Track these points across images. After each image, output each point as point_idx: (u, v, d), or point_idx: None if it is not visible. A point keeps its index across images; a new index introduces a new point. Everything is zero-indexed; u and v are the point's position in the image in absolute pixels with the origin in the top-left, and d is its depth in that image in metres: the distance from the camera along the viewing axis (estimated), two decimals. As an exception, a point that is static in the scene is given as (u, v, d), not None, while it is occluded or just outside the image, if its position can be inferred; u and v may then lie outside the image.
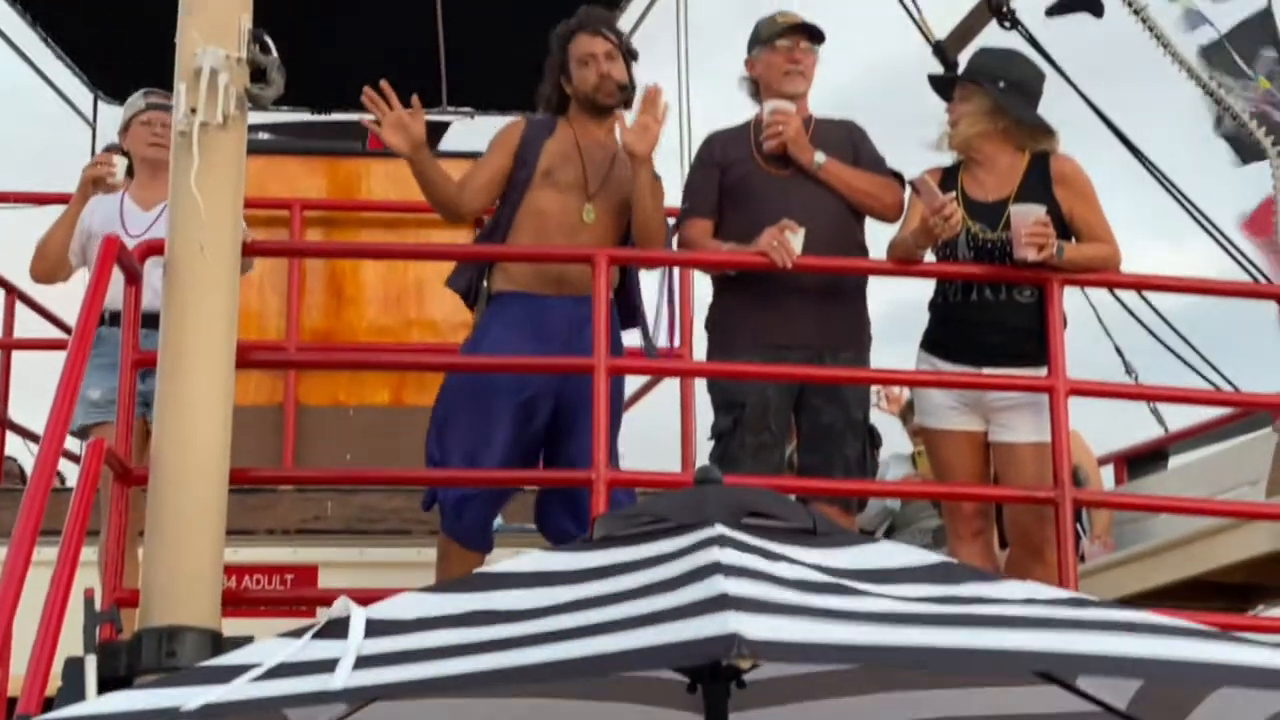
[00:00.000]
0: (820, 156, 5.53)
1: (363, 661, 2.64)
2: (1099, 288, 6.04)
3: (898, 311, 6.67)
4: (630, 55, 5.55)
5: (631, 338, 5.68)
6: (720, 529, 2.89)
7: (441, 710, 3.42)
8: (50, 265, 6.07)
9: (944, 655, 2.56)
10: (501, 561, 3.18)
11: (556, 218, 5.41)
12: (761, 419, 5.41)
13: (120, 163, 6.05)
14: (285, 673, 2.62)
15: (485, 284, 5.48)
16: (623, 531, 3.09)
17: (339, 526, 6.48)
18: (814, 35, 5.65)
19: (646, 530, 3.03)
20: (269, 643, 2.82)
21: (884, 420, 8.26)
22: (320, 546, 6.30)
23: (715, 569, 2.67)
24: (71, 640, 4.23)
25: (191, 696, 2.53)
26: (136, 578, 4.53)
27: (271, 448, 6.61)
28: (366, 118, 5.28)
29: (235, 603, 4.91)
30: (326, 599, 3.37)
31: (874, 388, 6.59)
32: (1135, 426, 7.39)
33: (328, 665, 2.62)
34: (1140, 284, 6.16)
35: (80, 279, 5.90)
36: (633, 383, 6.46)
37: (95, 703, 2.77)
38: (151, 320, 4.75)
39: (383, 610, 2.87)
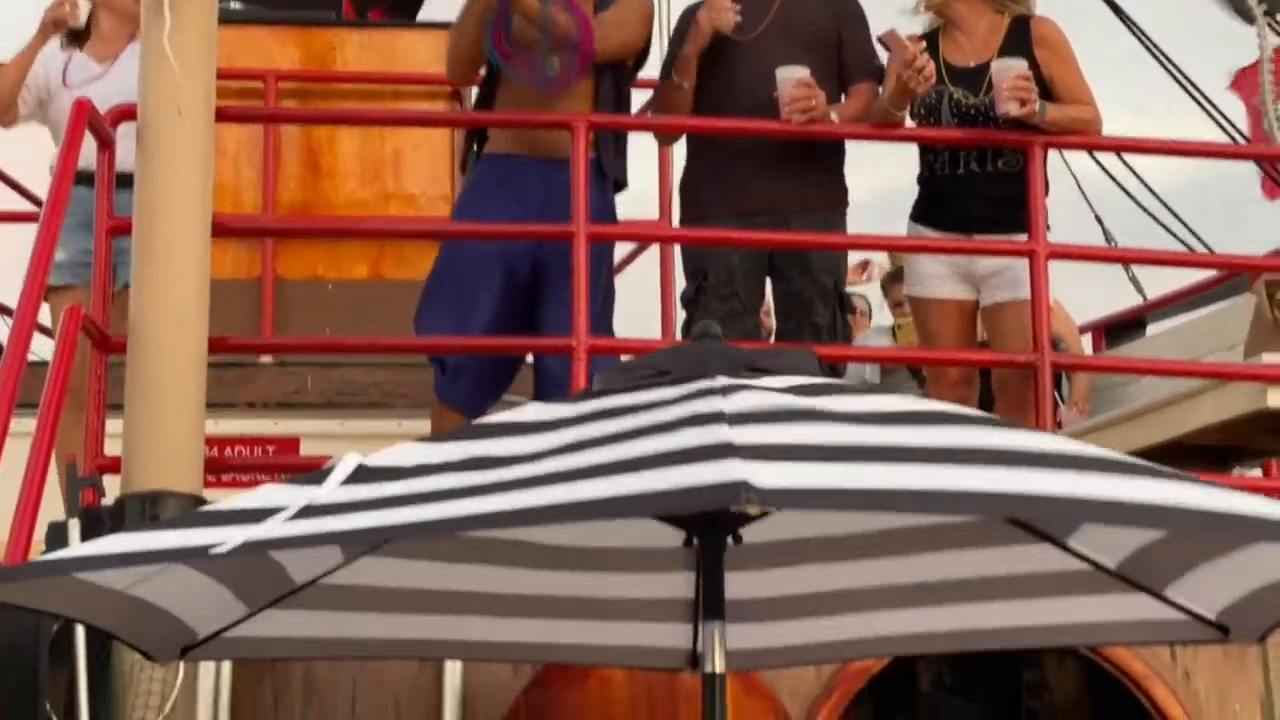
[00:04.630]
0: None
1: (361, 506, 2.62)
2: (1080, 150, 6.02)
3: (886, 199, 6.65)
4: None
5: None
6: (723, 380, 2.88)
7: (430, 576, 3.44)
8: None
9: (957, 499, 2.51)
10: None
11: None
12: (727, 285, 5.42)
13: (84, 5, 5.95)
14: (306, 514, 2.59)
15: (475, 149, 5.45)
16: (622, 384, 3.07)
17: (319, 400, 6.48)
18: None
19: (647, 381, 3.01)
20: (279, 488, 2.79)
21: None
22: (301, 419, 6.30)
23: (719, 418, 2.64)
24: (53, 511, 4.24)
25: (220, 536, 2.50)
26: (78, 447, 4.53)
27: (250, 321, 6.57)
28: None
29: (217, 470, 4.91)
30: (309, 466, 3.37)
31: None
32: (1116, 298, 7.42)
33: (345, 508, 2.59)
34: (1121, 146, 6.15)
35: (38, 142, 5.83)
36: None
37: (115, 540, 2.73)
38: (122, 180, 4.71)
39: (380, 458, 2.85)
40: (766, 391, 2.82)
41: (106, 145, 4.85)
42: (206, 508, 2.90)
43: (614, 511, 2.55)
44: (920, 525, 3.40)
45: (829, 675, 4.75)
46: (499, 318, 5.24)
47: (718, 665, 3.08)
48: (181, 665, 4.20)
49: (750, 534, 3.28)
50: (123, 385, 4.42)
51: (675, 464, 2.44)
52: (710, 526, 3.16)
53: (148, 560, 2.64)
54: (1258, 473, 6.38)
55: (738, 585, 3.44)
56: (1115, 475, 2.52)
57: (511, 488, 2.54)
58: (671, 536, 3.33)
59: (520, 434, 2.83)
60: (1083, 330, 7.35)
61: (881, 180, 6.35)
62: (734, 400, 2.72)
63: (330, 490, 2.66)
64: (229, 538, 2.47)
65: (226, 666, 4.35)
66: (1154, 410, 5.92)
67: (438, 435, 3.50)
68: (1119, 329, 7.24)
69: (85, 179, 4.98)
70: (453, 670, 4.49)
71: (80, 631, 4.07)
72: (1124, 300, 7.20)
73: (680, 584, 3.54)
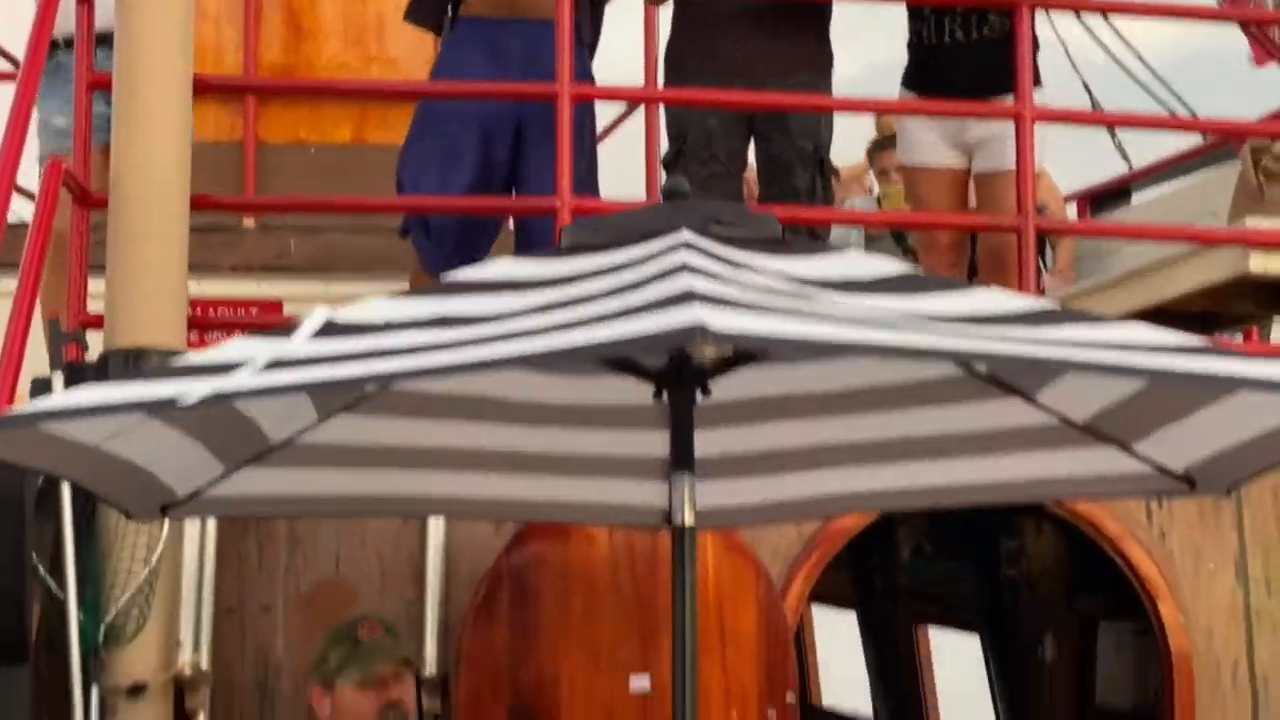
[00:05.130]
0: None
1: (329, 360, 2.63)
2: (1067, 10, 5.96)
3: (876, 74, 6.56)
4: None
5: None
6: (687, 235, 2.89)
7: (409, 433, 3.46)
8: None
9: (910, 353, 2.55)
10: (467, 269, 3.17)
11: None
12: (705, 149, 5.40)
13: None
14: (274, 367, 2.61)
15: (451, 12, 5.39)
16: (590, 240, 3.08)
17: (303, 264, 6.46)
18: None
19: (614, 239, 3.02)
20: (247, 341, 2.80)
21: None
22: (285, 283, 6.29)
23: (682, 269, 2.67)
24: (37, 368, 4.26)
25: (188, 388, 2.51)
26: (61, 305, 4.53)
27: (232, 184, 6.52)
28: None
29: (201, 329, 4.92)
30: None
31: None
32: (1102, 167, 7.39)
33: (313, 361, 2.60)
34: (1109, 7, 6.09)
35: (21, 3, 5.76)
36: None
37: (82, 393, 2.74)
38: (107, 39, 4.67)
39: (348, 314, 2.86)
40: (731, 247, 2.85)
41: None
42: (174, 361, 2.91)
43: (577, 358, 2.58)
44: (893, 383, 3.43)
45: (809, 535, 4.80)
46: (479, 179, 5.22)
47: (687, 518, 3.12)
48: (166, 522, 4.23)
49: (723, 391, 3.30)
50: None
51: (638, 314, 2.48)
52: (678, 380, 3.18)
53: (115, 411, 2.65)
54: (1239, 339, 6.41)
55: (713, 442, 3.48)
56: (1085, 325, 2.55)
57: (478, 343, 2.57)
58: (645, 393, 3.36)
59: (488, 292, 2.86)
60: (1068, 199, 7.34)
61: (870, 55, 6.31)
62: (697, 254, 2.74)
63: (299, 344, 2.67)
64: (196, 390, 2.48)
65: (211, 523, 4.39)
66: (1137, 276, 5.93)
67: (407, 292, 3.51)
68: (1104, 198, 7.23)
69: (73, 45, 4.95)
70: (436, 528, 4.53)
71: (66, 487, 4.11)
72: (1109, 167, 7.19)
73: (656, 442, 3.56)
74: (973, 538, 8.05)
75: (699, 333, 2.35)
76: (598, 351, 2.56)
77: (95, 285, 4.63)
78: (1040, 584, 7.56)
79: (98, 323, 4.47)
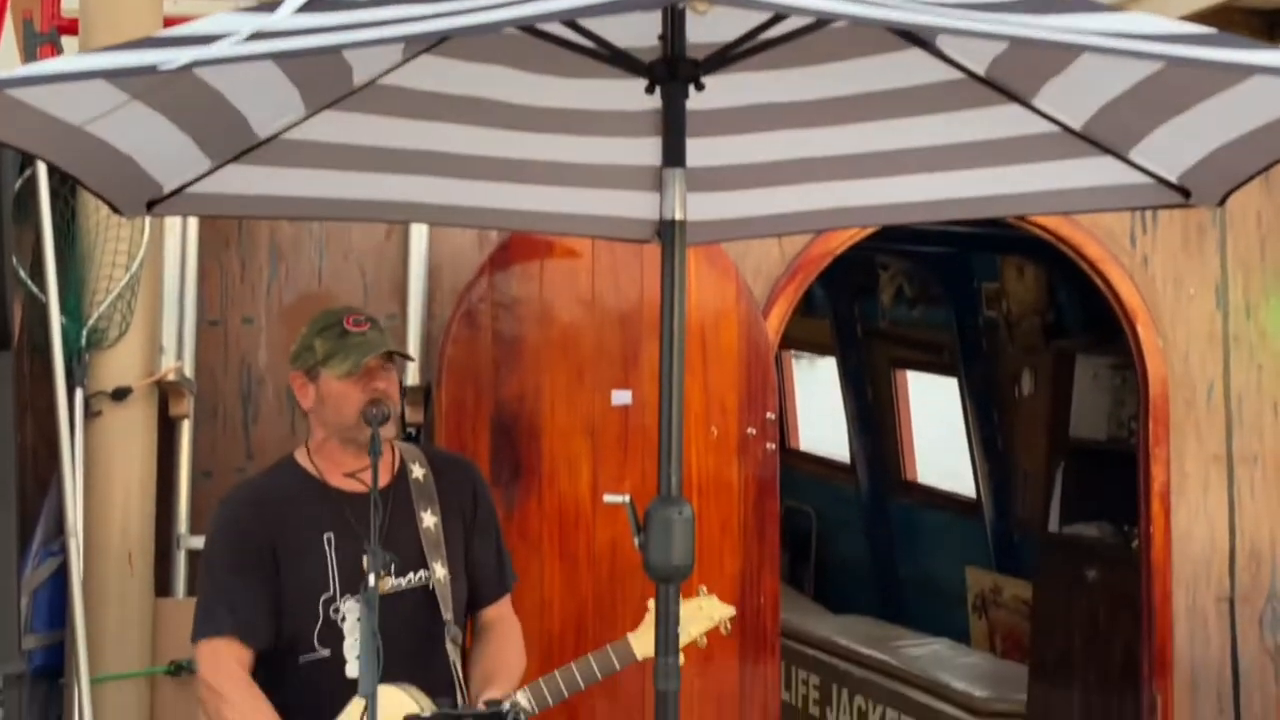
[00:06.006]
0: None
1: (314, 31, 2.56)
2: None
3: None
4: None
5: None
6: None
7: (397, 134, 3.40)
8: None
9: (927, 26, 2.47)
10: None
11: None
12: None
13: None
14: (257, 39, 2.53)
15: None
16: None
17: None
18: None
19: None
20: (230, 15, 2.72)
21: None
22: None
23: None
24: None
25: (169, 56, 2.44)
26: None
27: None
28: None
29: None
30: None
31: None
32: None
33: (297, 33, 2.53)
34: None
35: None
36: None
37: (58, 61, 2.67)
38: None
39: None
40: None
41: None
42: (157, 33, 2.83)
43: (574, 15, 2.49)
44: (891, 89, 3.36)
45: (792, 256, 4.79)
46: None
47: (678, 212, 3.09)
48: (147, 227, 4.20)
49: (714, 98, 3.23)
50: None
51: None
52: (672, 76, 3.12)
53: (92, 76, 2.58)
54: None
55: (704, 153, 3.42)
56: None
57: (468, 13, 2.49)
58: (638, 97, 3.30)
59: None
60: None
61: None
62: None
63: (283, 17, 2.60)
64: (179, 57, 2.41)
65: (193, 230, 4.36)
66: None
67: None
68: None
69: None
70: (418, 241, 4.51)
71: (44, 185, 4.07)
72: None
73: (648, 150, 3.51)
74: (953, 281, 8.08)
75: None
76: (593, 10, 2.47)
77: None
78: (1019, 324, 7.60)
79: (72, 28, 4.37)
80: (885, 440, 9.06)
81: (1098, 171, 3.32)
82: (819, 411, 11.38)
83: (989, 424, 8.04)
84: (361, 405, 3.32)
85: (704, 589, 3.85)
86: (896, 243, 7.23)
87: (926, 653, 6.94)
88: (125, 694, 4.14)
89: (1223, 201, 3.29)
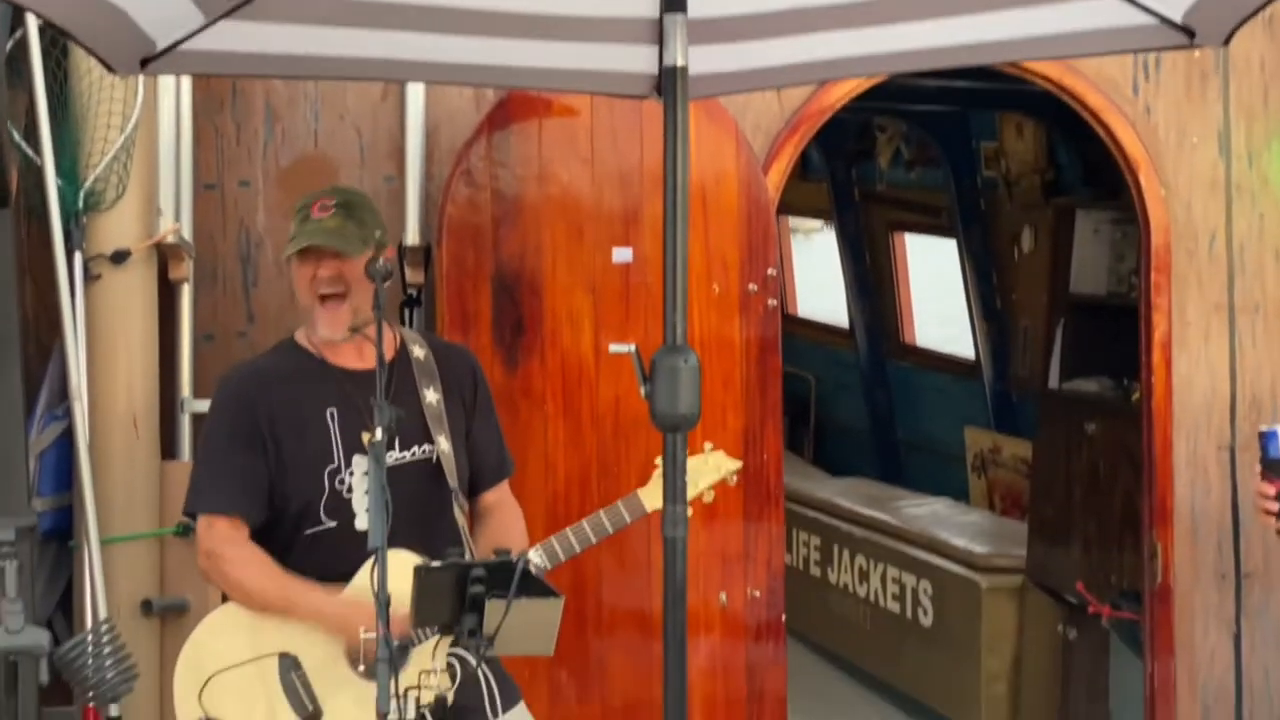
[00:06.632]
0: None
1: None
2: None
3: None
4: None
5: None
6: None
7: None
8: None
9: None
10: None
11: None
12: None
13: None
14: None
15: None
16: None
17: None
18: None
19: None
20: None
21: None
22: None
23: None
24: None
25: None
26: None
27: None
28: None
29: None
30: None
31: None
32: None
33: None
34: None
35: None
36: None
37: None
38: None
39: None
40: None
41: None
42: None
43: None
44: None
45: (791, 111, 4.75)
46: None
47: (679, 58, 3.06)
48: (141, 88, 4.16)
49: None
50: None
51: None
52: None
53: None
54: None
55: (703, 3, 3.38)
56: None
57: None
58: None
59: None
60: None
61: None
62: None
63: None
64: None
65: (187, 93, 4.32)
66: None
67: None
68: None
69: None
70: (415, 101, 4.47)
71: (36, 45, 4.02)
72: None
73: (645, 1, 3.47)
74: (951, 142, 8.03)
75: None
76: None
77: None
78: (1018, 184, 7.57)
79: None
80: (884, 304, 9.06)
81: (1102, 13, 3.28)
82: (817, 284, 11.38)
83: (988, 284, 8.03)
84: (309, 287, 3.38)
85: (709, 445, 3.87)
86: (894, 101, 7.18)
87: (926, 512, 6.99)
88: (135, 555, 4.17)
89: (1227, 41, 3.26)
